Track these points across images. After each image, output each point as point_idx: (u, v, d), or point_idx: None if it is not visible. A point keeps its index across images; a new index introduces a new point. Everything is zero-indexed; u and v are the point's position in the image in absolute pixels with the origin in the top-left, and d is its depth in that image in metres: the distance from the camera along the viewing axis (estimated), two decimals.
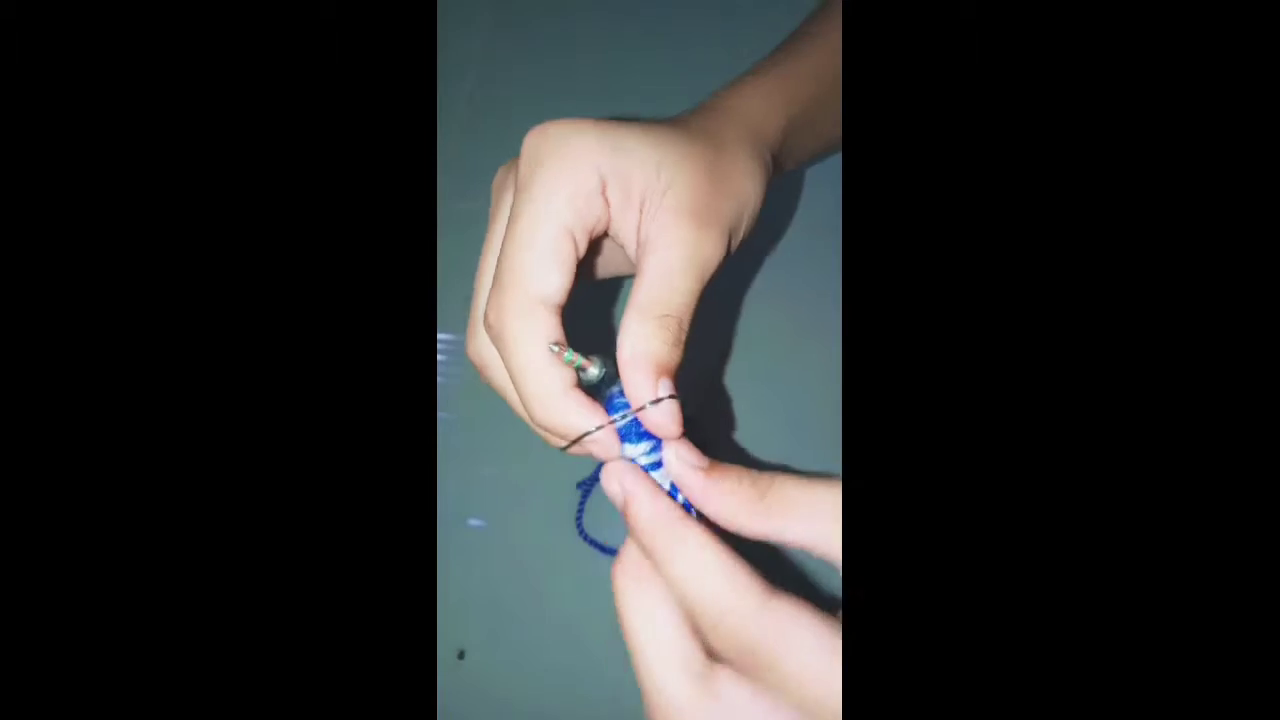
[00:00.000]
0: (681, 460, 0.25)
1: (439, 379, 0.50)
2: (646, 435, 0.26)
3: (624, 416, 0.26)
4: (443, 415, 0.49)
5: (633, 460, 0.26)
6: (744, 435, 0.47)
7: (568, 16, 0.58)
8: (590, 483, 0.46)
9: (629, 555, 0.25)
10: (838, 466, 0.29)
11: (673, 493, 0.26)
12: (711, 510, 0.25)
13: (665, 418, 0.25)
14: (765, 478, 0.25)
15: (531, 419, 0.26)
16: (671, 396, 0.25)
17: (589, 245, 0.28)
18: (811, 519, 0.24)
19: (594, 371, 0.26)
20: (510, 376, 0.26)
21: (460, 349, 0.51)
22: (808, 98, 0.36)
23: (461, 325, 0.50)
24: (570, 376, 0.26)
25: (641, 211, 0.27)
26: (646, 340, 0.25)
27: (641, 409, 0.25)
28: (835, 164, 0.46)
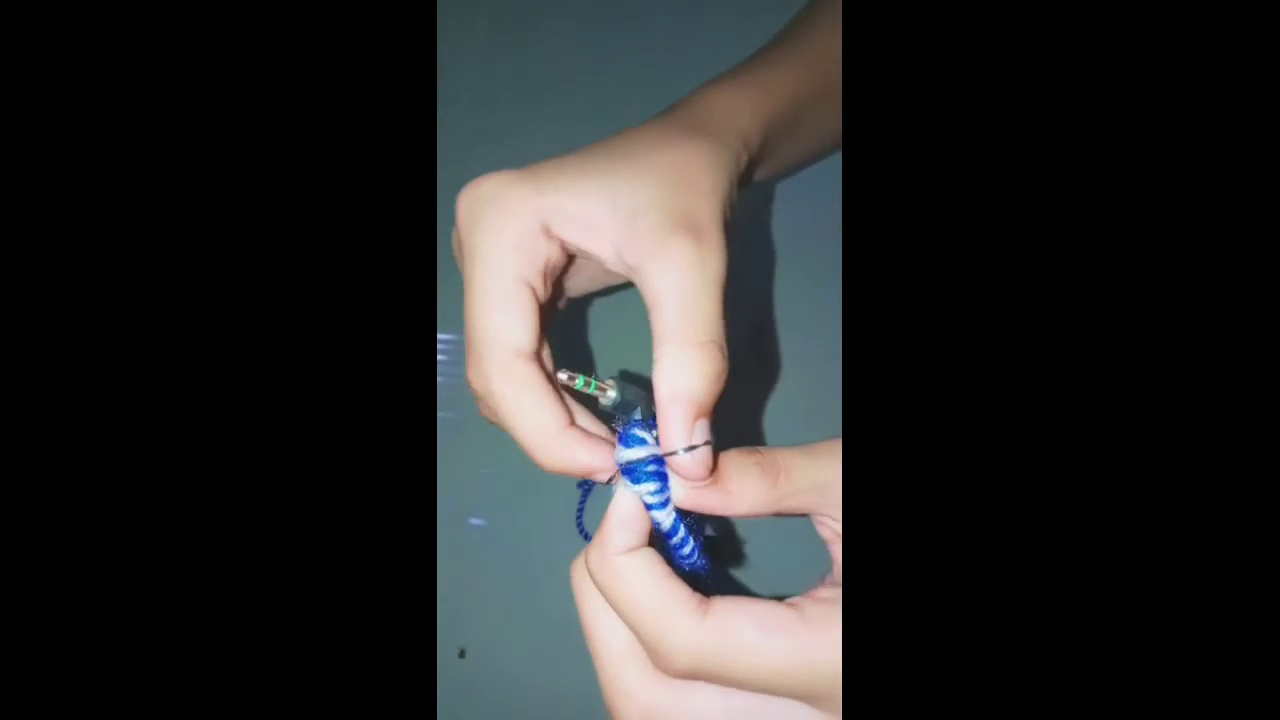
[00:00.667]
0: (697, 500, 0.25)
1: (439, 379, 0.50)
2: (657, 476, 0.25)
3: (642, 461, 0.25)
4: (443, 415, 0.49)
5: (629, 467, 0.26)
6: (743, 436, 0.47)
7: (567, 17, 0.58)
8: (590, 483, 0.46)
9: (582, 563, 0.25)
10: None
11: (671, 532, 0.26)
12: (734, 514, 0.25)
13: (696, 465, 0.24)
14: (770, 462, 0.25)
15: (541, 467, 0.26)
16: (707, 443, 0.24)
17: (551, 282, 0.27)
18: (822, 490, 0.25)
19: (612, 395, 0.26)
20: (510, 431, 0.26)
21: (460, 349, 0.51)
22: (787, 98, 0.34)
23: (461, 326, 0.50)
24: (564, 416, 0.25)
25: (619, 239, 0.26)
26: (688, 376, 0.24)
27: (672, 453, 0.24)
28: (835, 164, 0.46)
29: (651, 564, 0.24)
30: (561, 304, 0.33)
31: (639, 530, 0.25)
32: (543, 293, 0.27)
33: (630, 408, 0.26)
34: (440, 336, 0.51)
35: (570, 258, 0.28)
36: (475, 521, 0.47)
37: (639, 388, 0.26)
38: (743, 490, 0.24)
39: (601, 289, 0.34)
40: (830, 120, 0.38)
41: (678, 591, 0.24)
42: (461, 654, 0.45)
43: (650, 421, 0.25)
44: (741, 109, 0.32)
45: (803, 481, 0.25)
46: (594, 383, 0.25)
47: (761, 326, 0.50)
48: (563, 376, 0.25)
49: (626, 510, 0.25)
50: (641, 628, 0.24)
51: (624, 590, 0.24)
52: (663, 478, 0.25)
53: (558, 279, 0.28)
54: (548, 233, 0.26)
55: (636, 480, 0.25)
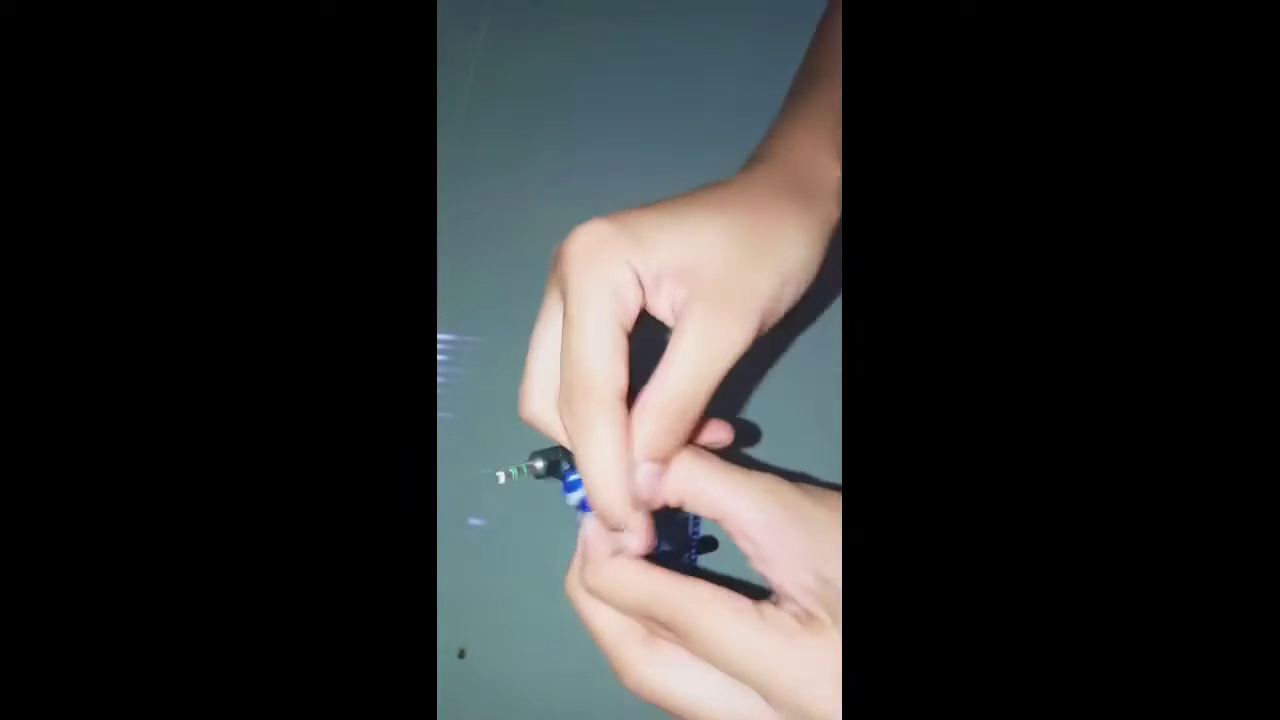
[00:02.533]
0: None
1: (439, 379, 0.50)
2: (578, 484, 0.29)
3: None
4: (443, 415, 0.49)
5: (582, 504, 0.30)
6: (741, 437, 0.47)
7: (567, 17, 0.58)
8: None
9: (575, 565, 0.30)
10: (837, 467, 0.30)
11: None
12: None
13: (640, 484, 0.28)
14: (685, 471, 0.28)
15: (596, 502, 0.28)
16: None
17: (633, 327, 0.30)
18: (724, 498, 0.28)
19: (539, 467, 0.31)
20: (583, 462, 0.28)
21: (460, 349, 0.51)
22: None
23: (461, 325, 0.50)
24: (626, 464, 0.28)
25: (673, 295, 0.29)
26: (653, 441, 0.28)
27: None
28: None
29: (633, 569, 0.28)
30: None
31: (606, 548, 0.29)
32: (628, 336, 0.29)
33: (558, 468, 0.31)
34: (440, 336, 0.51)
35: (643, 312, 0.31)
36: (475, 521, 0.47)
37: (554, 453, 0.31)
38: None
39: None
40: None
41: (660, 572, 0.28)
42: (461, 654, 0.45)
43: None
44: (822, 161, 0.33)
45: (712, 491, 0.28)
46: (524, 467, 0.30)
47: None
48: (501, 478, 0.31)
49: (590, 535, 0.29)
50: (628, 593, 0.28)
51: (610, 594, 0.28)
52: None
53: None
54: (638, 281, 0.28)
55: (584, 508, 0.29)
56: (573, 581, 0.30)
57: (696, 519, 0.31)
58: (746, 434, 0.47)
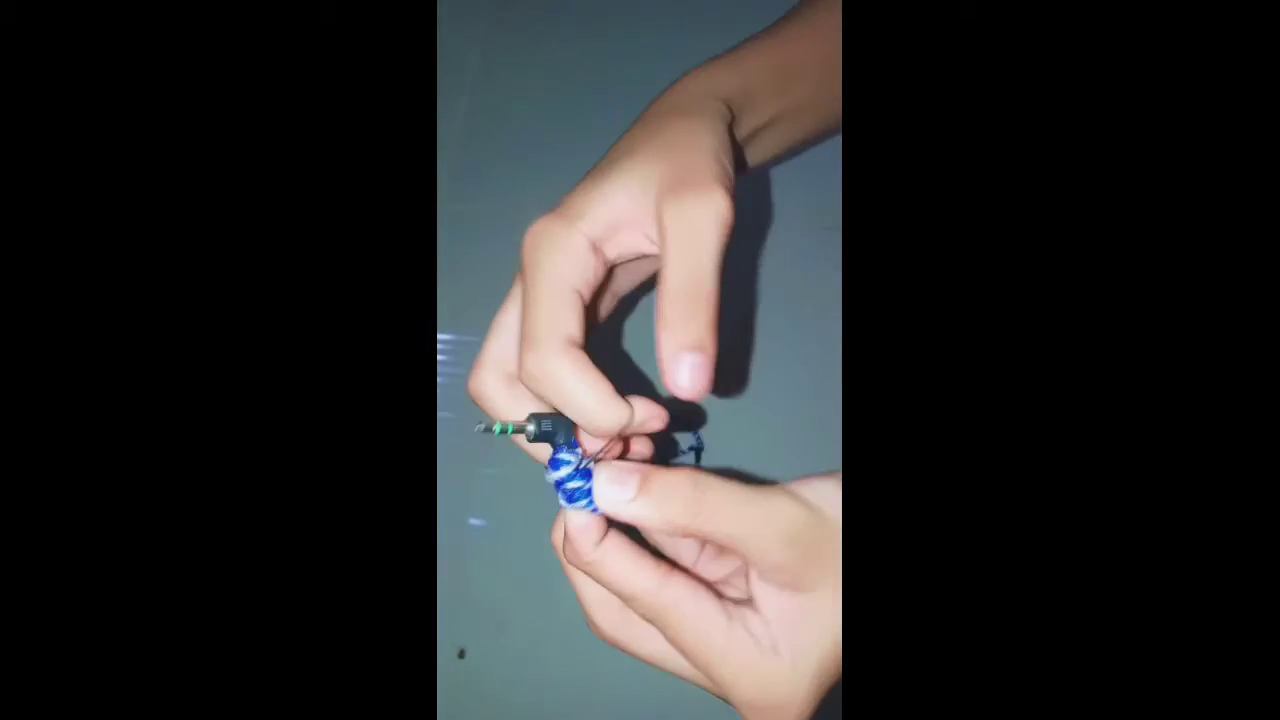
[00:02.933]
0: (611, 496, 0.28)
1: (439, 379, 0.50)
2: (586, 493, 0.29)
3: (586, 462, 0.29)
4: (443, 415, 0.49)
5: (559, 484, 0.29)
6: (742, 439, 0.47)
7: (567, 17, 0.58)
8: None
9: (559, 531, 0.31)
10: (836, 475, 0.30)
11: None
12: (650, 527, 0.30)
13: (684, 376, 0.27)
14: (695, 494, 0.27)
15: (599, 431, 0.28)
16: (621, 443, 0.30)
17: (594, 294, 0.31)
18: (740, 539, 0.27)
19: (530, 429, 0.29)
20: (566, 407, 0.28)
21: (460, 349, 0.51)
22: (768, 65, 0.37)
23: (461, 325, 0.50)
24: (610, 386, 0.28)
25: (644, 222, 0.30)
26: (683, 327, 0.27)
27: (599, 458, 0.29)
28: (835, 162, 0.46)
29: (614, 568, 0.29)
30: (612, 307, 0.36)
31: (593, 535, 0.29)
32: (587, 300, 0.30)
33: (550, 436, 0.29)
34: (440, 336, 0.51)
35: (609, 270, 0.32)
36: (475, 521, 0.47)
37: (553, 418, 0.29)
38: (659, 506, 0.27)
39: (647, 279, 0.36)
40: (825, 89, 0.39)
41: (646, 565, 0.28)
42: (461, 654, 0.45)
43: (573, 444, 0.29)
44: (720, 77, 0.35)
45: (725, 524, 0.27)
46: (510, 426, 0.29)
47: (760, 325, 0.50)
48: (479, 428, 0.29)
49: (576, 522, 0.29)
50: (617, 589, 0.29)
51: (600, 575, 0.29)
52: (588, 494, 0.29)
53: (601, 290, 0.32)
54: (595, 250, 0.30)
55: (571, 500, 0.29)
56: (558, 540, 0.31)
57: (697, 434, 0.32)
58: (747, 435, 0.47)
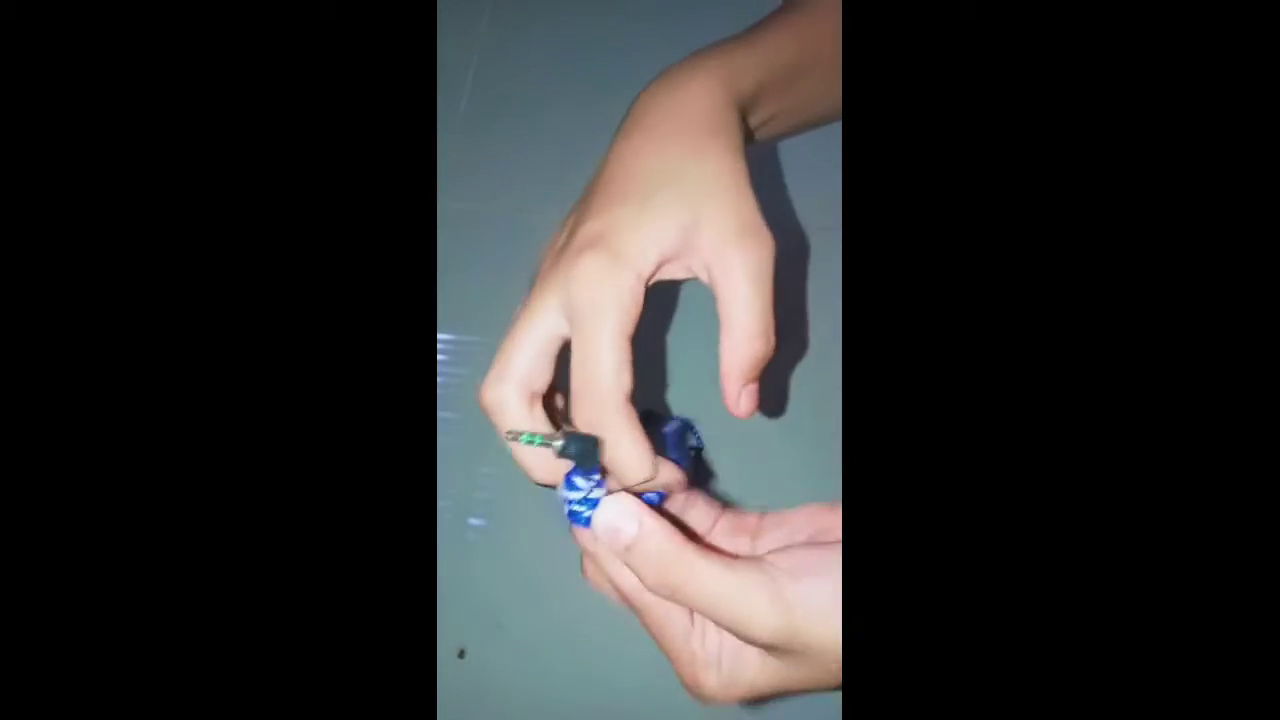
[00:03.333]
0: (605, 537, 0.29)
1: (439, 379, 0.50)
2: (592, 475, 0.30)
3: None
4: (443, 415, 0.49)
5: (569, 503, 0.30)
6: (742, 439, 0.47)
7: (567, 16, 0.58)
8: None
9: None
10: (836, 473, 0.30)
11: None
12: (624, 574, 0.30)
13: (744, 404, 0.32)
14: (677, 570, 0.28)
15: (631, 482, 0.30)
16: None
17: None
18: (715, 611, 0.27)
19: (558, 445, 0.29)
20: (613, 454, 0.30)
21: (460, 349, 0.51)
22: (781, 66, 0.37)
23: (461, 325, 0.50)
24: (650, 446, 0.30)
25: (691, 257, 0.32)
26: (744, 359, 0.31)
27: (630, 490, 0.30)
28: (835, 162, 0.46)
29: (630, 581, 0.30)
30: None
31: (610, 552, 0.30)
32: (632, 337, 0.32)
33: (578, 458, 0.30)
34: (440, 336, 0.51)
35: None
36: (475, 521, 0.47)
37: (586, 442, 0.30)
38: (642, 568, 0.28)
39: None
40: (824, 86, 0.40)
41: (664, 534, 0.28)
42: (461, 654, 0.45)
43: (592, 471, 0.30)
44: (737, 77, 0.35)
45: (702, 602, 0.28)
46: (539, 438, 0.30)
47: None
48: (509, 435, 0.30)
49: (590, 545, 0.30)
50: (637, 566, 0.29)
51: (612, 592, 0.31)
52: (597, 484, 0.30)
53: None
54: (646, 283, 0.31)
55: (574, 520, 0.30)
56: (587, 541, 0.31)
57: (689, 433, 0.34)
58: (747, 434, 0.47)
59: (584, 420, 0.30)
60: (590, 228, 0.31)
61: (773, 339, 0.31)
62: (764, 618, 0.26)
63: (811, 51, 0.38)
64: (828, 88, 0.40)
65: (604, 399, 0.29)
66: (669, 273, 0.32)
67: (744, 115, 0.35)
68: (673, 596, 0.28)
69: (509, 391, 0.31)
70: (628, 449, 0.29)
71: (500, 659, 0.44)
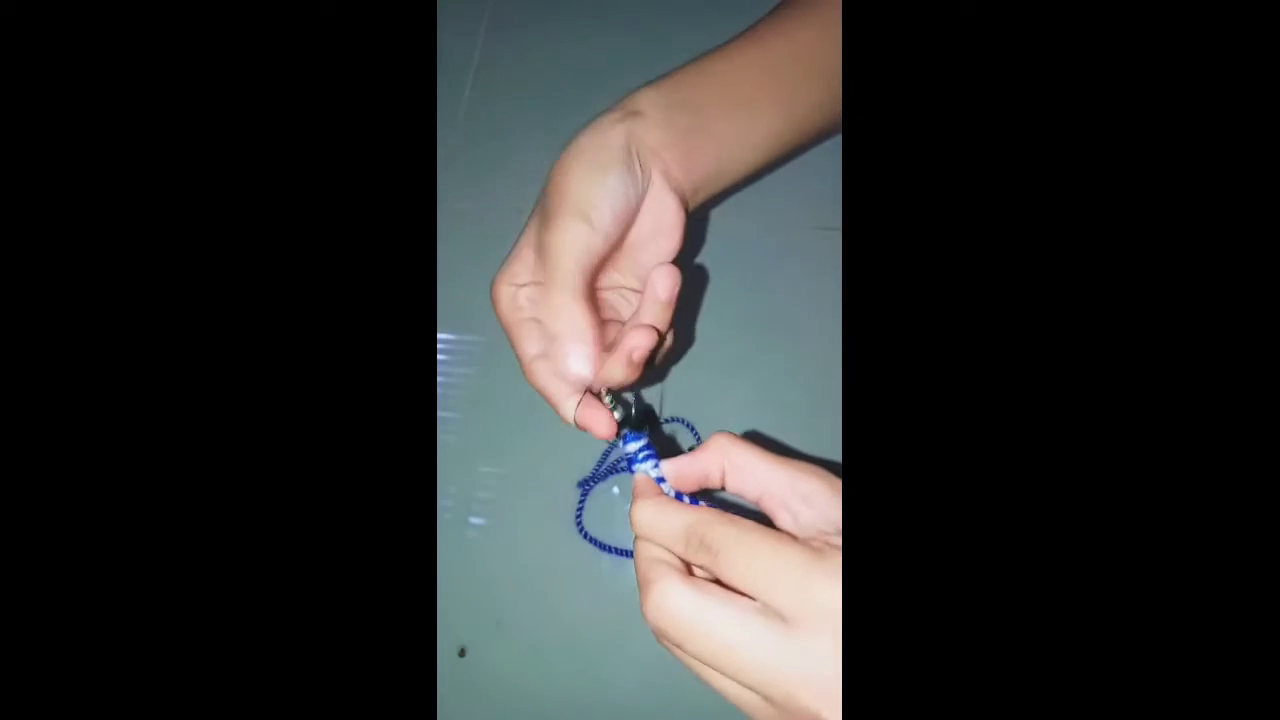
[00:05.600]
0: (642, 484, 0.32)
1: (439, 379, 0.50)
2: (650, 457, 0.34)
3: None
4: (443, 415, 0.49)
5: (631, 456, 0.34)
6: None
7: (566, 17, 0.58)
8: (590, 482, 0.46)
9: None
10: (836, 472, 0.30)
11: (678, 495, 0.32)
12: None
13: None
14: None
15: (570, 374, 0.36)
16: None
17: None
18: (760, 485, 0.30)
19: (623, 410, 0.35)
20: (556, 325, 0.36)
21: (460, 349, 0.51)
22: (705, 86, 0.39)
23: (461, 325, 0.50)
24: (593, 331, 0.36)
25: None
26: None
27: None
28: (835, 163, 0.46)
29: (674, 505, 0.30)
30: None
31: (651, 490, 0.32)
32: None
33: (631, 420, 0.35)
34: (440, 336, 0.51)
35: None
36: (475, 521, 0.47)
37: (639, 415, 0.36)
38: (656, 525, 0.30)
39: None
40: (747, 132, 0.41)
41: (693, 511, 0.30)
42: (461, 654, 0.45)
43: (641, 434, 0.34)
44: (639, 97, 0.39)
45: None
46: (615, 401, 0.36)
47: (761, 325, 0.50)
48: (606, 397, 0.36)
49: (638, 482, 0.33)
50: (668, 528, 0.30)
51: (652, 525, 0.30)
52: (654, 457, 0.34)
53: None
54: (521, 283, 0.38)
55: (635, 461, 0.34)
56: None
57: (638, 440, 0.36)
58: (748, 434, 0.47)
59: (547, 304, 0.35)
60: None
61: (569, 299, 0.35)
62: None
63: (733, 96, 0.40)
64: (753, 128, 0.41)
65: (557, 281, 0.35)
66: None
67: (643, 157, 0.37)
68: (736, 465, 0.31)
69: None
70: (566, 323, 0.35)
71: (500, 659, 0.44)
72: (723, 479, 0.32)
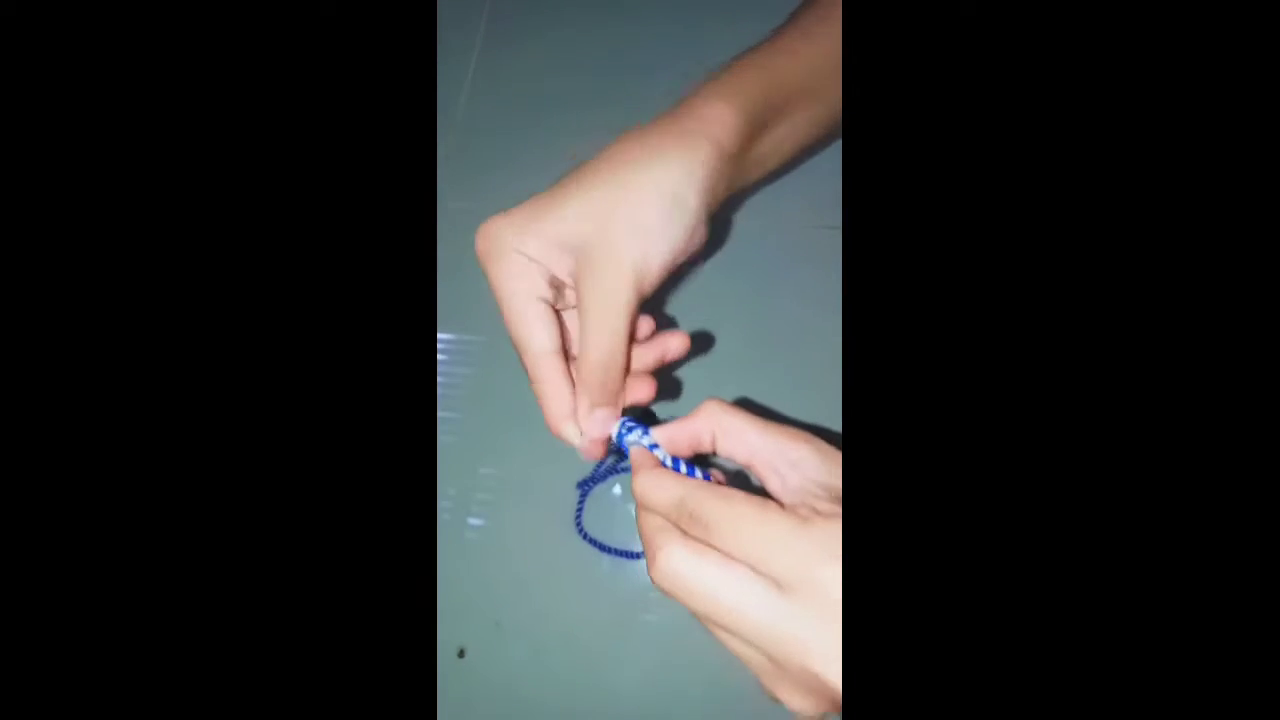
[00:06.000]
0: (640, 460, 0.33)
1: (439, 379, 0.50)
2: (640, 428, 0.34)
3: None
4: (443, 415, 0.49)
5: (620, 433, 0.35)
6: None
7: (566, 15, 0.58)
8: (590, 483, 0.46)
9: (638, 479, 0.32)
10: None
11: (675, 464, 0.33)
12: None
13: (594, 429, 0.35)
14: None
15: (556, 433, 0.35)
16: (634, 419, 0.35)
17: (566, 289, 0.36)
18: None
19: (632, 429, 0.34)
20: (541, 403, 0.35)
21: (460, 349, 0.51)
22: (773, 95, 0.37)
23: (461, 325, 0.50)
24: (571, 404, 0.35)
25: (566, 273, 0.34)
26: (584, 386, 0.34)
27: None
28: (835, 163, 0.46)
29: (670, 476, 0.31)
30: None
31: (649, 463, 0.33)
32: (557, 299, 0.35)
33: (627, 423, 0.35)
34: (440, 336, 0.51)
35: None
36: (475, 521, 0.47)
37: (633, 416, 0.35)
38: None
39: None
40: (814, 118, 0.40)
41: (696, 482, 0.30)
42: (461, 654, 0.45)
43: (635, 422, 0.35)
44: (727, 116, 0.35)
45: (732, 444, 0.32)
46: (629, 425, 0.35)
47: (761, 325, 0.50)
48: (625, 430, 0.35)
49: (634, 454, 0.34)
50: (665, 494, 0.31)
51: (650, 493, 0.31)
52: (639, 426, 0.34)
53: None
54: (533, 261, 0.34)
55: (624, 436, 0.34)
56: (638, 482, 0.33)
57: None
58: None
59: (584, 351, 0.33)
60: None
61: (615, 369, 0.33)
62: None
63: (814, 75, 0.38)
64: (827, 110, 0.40)
65: (524, 355, 0.34)
66: (554, 265, 0.34)
67: (723, 168, 0.35)
68: (725, 428, 0.32)
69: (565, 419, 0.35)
70: (543, 400, 0.34)
71: (500, 659, 0.44)
72: (713, 443, 0.32)
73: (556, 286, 0.35)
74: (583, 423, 0.34)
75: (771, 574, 0.26)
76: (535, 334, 0.34)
